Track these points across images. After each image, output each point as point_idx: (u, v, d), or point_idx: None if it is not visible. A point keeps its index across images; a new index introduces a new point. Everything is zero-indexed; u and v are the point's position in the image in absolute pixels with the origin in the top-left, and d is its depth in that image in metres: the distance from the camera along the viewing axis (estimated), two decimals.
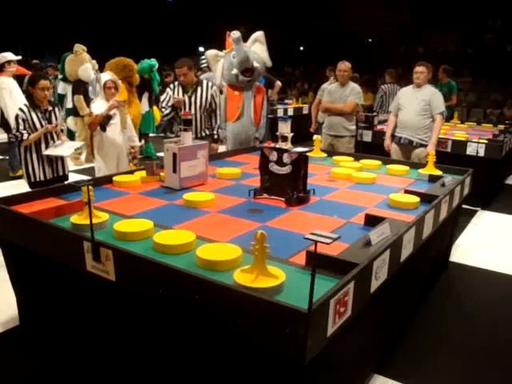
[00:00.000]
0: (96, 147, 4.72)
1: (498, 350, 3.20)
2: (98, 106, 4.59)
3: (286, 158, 3.24)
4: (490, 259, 4.62)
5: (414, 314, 3.56)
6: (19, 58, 6.83)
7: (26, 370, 2.88)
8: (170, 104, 5.15)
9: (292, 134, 3.47)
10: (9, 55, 6.55)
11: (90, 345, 2.80)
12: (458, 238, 5.12)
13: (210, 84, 5.27)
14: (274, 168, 3.28)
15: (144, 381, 2.52)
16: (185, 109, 5.07)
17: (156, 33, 21.24)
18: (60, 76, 8.30)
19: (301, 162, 3.26)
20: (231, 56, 5.70)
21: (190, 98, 5.11)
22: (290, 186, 3.28)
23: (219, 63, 5.88)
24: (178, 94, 5.13)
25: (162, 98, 5.30)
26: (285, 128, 3.39)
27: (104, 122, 4.54)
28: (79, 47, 7.65)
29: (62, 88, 8.32)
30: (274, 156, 3.26)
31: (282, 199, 3.29)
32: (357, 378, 2.69)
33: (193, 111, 5.06)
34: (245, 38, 5.92)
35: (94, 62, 7.80)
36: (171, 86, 5.30)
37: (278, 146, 3.34)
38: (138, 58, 7.73)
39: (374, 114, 8.38)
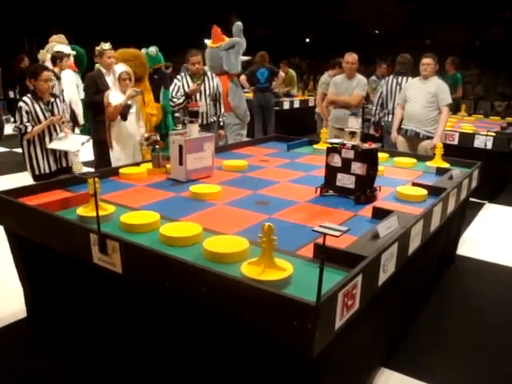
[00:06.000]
0: (114, 138, 4.72)
1: (504, 343, 3.19)
2: (116, 97, 4.60)
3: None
4: (496, 252, 4.59)
5: (421, 307, 3.54)
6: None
7: (32, 361, 2.89)
8: (182, 93, 5.32)
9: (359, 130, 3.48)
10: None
11: (96, 337, 2.80)
12: (465, 231, 5.09)
13: (213, 74, 5.56)
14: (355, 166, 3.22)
15: (151, 373, 2.53)
16: (196, 97, 5.32)
17: (159, 24, 21.13)
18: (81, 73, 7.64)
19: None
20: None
21: (199, 86, 5.35)
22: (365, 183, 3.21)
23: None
24: (187, 84, 5.34)
25: (171, 88, 5.44)
26: (355, 123, 3.38)
27: (124, 111, 4.62)
28: None
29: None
30: (350, 153, 3.23)
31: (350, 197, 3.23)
32: (363, 371, 2.68)
33: (203, 99, 5.33)
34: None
35: None
36: (178, 77, 5.46)
37: (347, 142, 3.30)
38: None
39: (372, 117, 6.63)
